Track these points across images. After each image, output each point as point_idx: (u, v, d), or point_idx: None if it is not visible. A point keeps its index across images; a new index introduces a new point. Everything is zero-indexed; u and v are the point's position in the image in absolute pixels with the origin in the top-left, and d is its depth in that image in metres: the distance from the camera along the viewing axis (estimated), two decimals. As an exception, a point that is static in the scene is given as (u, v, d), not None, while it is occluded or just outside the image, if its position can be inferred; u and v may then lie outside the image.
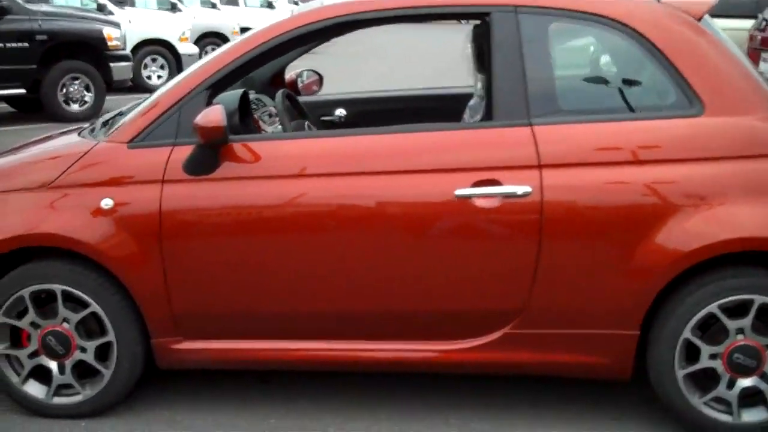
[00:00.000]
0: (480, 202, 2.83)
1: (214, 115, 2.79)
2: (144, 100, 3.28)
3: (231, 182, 2.93)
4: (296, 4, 25.31)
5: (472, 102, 4.08)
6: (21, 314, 3.11)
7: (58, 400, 3.17)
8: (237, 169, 2.93)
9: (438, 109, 4.22)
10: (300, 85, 4.42)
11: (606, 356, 2.95)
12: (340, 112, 4.14)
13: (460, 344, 2.99)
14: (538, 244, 2.83)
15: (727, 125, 2.83)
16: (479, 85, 3.93)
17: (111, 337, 3.06)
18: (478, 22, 3.78)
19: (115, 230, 2.95)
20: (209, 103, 2.99)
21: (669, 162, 2.81)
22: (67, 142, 3.33)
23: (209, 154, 2.91)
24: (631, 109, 2.94)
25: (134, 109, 3.25)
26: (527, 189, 2.81)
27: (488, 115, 3.46)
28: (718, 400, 2.92)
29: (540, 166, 2.82)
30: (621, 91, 3.07)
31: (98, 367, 3.11)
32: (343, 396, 3.33)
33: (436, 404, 3.26)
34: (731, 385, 2.89)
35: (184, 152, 2.95)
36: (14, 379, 3.17)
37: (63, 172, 3.02)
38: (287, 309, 3.01)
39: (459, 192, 2.84)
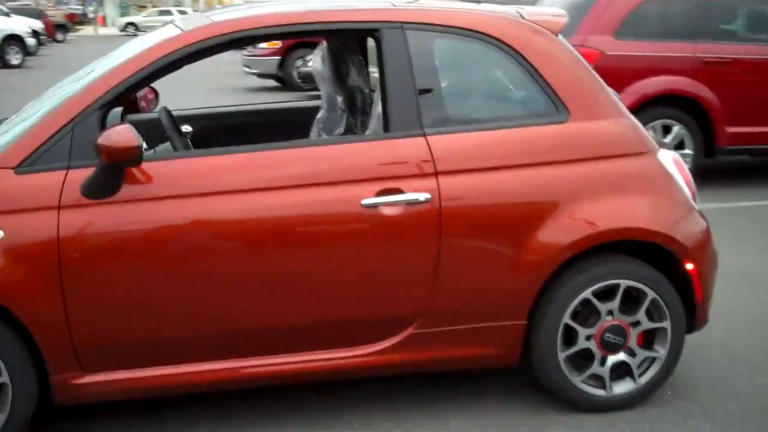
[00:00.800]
0: (385, 210, 2.98)
1: (124, 135, 2.67)
2: (21, 122, 3.05)
3: (137, 204, 2.83)
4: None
5: (320, 115, 4.21)
6: None
7: (-58, 454, 2.87)
8: (142, 190, 2.84)
9: (283, 122, 4.30)
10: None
11: (499, 346, 3.21)
12: (186, 128, 4.04)
13: (368, 348, 3.11)
14: (438, 246, 3.03)
15: (591, 129, 3.20)
16: (339, 99, 4.07)
17: (5, 379, 2.83)
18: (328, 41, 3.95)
19: (8, 263, 2.74)
20: (103, 123, 2.87)
21: (545, 165, 3.12)
22: None
23: (112, 176, 2.79)
24: (510, 118, 3.21)
25: (9, 131, 3.02)
26: (428, 195, 3.00)
27: (360, 128, 3.63)
28: (594, 377, 3.29)
29: (436, 174, 3.02)
30: (500, 101, 3.35)
31: (-12, 413, 2.86)
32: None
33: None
34: (603, 362, 3.27)
35: (80, 175, 2.81)
36: None
37: None
38: (194, 330, 2.95)
39: (365, 201, 2.96)
